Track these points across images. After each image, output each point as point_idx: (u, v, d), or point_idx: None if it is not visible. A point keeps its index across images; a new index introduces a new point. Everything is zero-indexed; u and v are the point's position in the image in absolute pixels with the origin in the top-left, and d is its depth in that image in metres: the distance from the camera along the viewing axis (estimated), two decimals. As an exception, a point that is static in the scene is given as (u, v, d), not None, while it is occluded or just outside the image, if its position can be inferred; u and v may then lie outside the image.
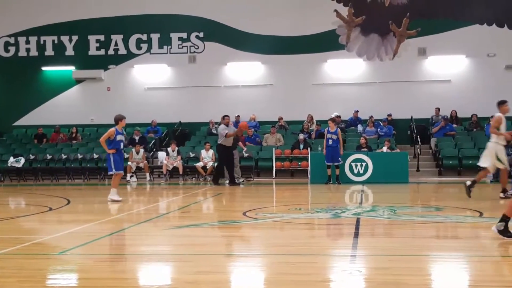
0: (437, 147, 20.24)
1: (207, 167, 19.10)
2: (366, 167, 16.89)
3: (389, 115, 21.90)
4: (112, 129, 11.93)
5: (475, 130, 20.92)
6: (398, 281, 4.73)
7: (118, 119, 12.08)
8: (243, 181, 17.50)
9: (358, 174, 16.89)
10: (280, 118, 22.45)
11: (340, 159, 16.44)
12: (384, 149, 18.32)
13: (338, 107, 22.37)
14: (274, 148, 19.87)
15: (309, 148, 19.19)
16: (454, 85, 22.50)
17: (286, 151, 19.77)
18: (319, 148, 18.14)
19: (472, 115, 21.28)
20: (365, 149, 18.01)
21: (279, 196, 14.51)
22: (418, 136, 20.51)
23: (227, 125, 16.77)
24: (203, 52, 23.90)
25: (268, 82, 23.57)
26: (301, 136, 20.10)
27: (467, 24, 21.94)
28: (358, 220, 8.30)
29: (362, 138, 18.73)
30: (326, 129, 16.86)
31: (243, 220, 8.59)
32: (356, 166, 16.95)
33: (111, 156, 11.77)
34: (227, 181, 16.84)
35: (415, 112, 21.97)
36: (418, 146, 20.09)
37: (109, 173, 12.07)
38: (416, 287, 4.50)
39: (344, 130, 21.27)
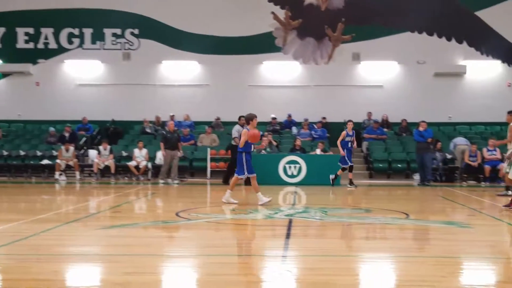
0: (368, 151, 20.73)
1: (140, 166, 18.82)
2: (300, 169, 17.08)
3: (324, 118, 22.26)
4: (245, 130, 10.79)
5: (404, 134, 21.56)
6: (328, 281, 4.79)
7: (250, 118, 10.83)
8: (178, 181, 17.37)
9: (292, 176, 17.07)
10: (217, 119, 22.44)
11: None
12: (318, 151, 18.59)
13: (274, 108, 22.54)
14: (209, 149, 19.79)
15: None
16: (385, 90, 23.12)
17: (221, 152, 19.73)
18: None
19: (402, 120, 21.92)
20: (299, 151, 18.21)
21: (213, 196, 14.44)
22: (350, 139, 20.90)
23: (242, 126, 16.42)
24: (138, 49, 23.57)
25: (204, 82, 23.49)
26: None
27: (399, 31, 22.63)
28: (290, 221, 8.37)
29: (296, 140, 18.92)
30: (344, 132, 16.05)
31: (175, 221, 8.49)
32: (290, 167, 17.11)
33: (244, 158, 10.72)
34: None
35: (348, 115, 22.33)
36: (350, 149, 20.46)
37: (240, 176, 10.95)
38: (345, 287, 4.56)
39: (278, 132, 21.47)
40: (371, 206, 11.24)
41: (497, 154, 18.34)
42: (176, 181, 17.26)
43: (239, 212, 9.97)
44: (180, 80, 23.54)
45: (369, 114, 22.44)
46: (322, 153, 18.53)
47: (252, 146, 10.92)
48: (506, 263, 5.66)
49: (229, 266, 5.38)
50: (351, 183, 16.01)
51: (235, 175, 11.01)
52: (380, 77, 23.22)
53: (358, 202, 12.76)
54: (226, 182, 16.13)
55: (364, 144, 21.30)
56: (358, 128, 22.39)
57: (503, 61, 22.77)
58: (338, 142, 15.93)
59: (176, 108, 22.64)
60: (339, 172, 16.22)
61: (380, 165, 19.88)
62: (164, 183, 17.02)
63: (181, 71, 23.56)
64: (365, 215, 9.54)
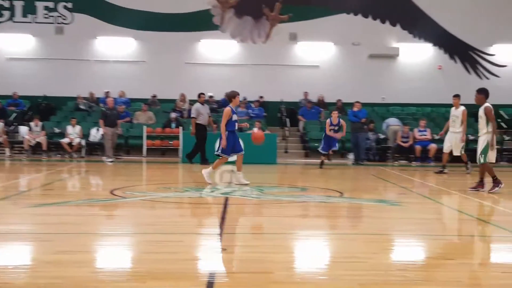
0: (304, 130, 21.00)
1: (73, 144, 18.38)
2: (237, 147, 17.07)
3: (261, 97, 22.33)
4: (228, 108, 10.23)
5: (339, 114, 21.89)
6: (263, 258, 4.84)
7: (232, 95, 10.31)
8: (113, 159, 17.06)
9: (228, 154, 17.03)
10: (153, 96, 22.15)
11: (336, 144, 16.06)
12: (255, 130, 18.63)
13: (211, 87, 22.41)
14: (145, 126, 19.52)
15: (181, 127, 19.07)
16: (322, 70, 23.41)
17: (158, 130, 19.51)
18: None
19: (337, 100, 22.27)
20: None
21: (149, 174, 14.32)
22: (288, 119, 21.14)
23: (202, 103, 15.97)
24: (71, 24, 22.87)
25: (140, 59, 23.08)
26: (173, 115, 19.93)
27: (336, 13, 22.89)
28: (227, 199, 8.40)
29: (233, 118, 18.91)
30: (328, 120, 15.99)
31: (110, 199, 8.36)
32: (226, 146, 17.04)
33: (224, 137, 10.20)
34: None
35: (285, 95, 22.60)
36: (287, 128, 20.70)
37: (215, 153, 10.54)
38: (281, 264, 4.63)
39: (216, 110, 21.40)
40: (306, 184, 11.41)
41: (428, 135, 18.96)
42: (111, 159, 16.95)
43: (175, 190, 9.91)
44: (115, 56, 23.03)
45: (306, 94, 22.68)
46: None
47: (236, 124, 10.46)
48: (434, 240, 5.88)
49: (165, 244, 5.35)
50: (322, 163, 15.86)
51: (215, 152, 10.64)
52: (316, 57, 23.47)
53: (294, 181, 12.92)
54: (204, 161, 15.71)
55: (301, 124, 21.56)
56: (295, 107, 22.63)
57: (435, 45, 23.45)
58: (327, 131, 15.82)
59: (111, 85, 22.16)
60: (321, 158, 16.00)
61: (316, 144, 20.11)
62: (112, 161, 16.64)
63: (116, 47, 23.04)
64: (301, 193, 9.69)
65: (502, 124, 21.08)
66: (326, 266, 4.71)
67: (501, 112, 21.87)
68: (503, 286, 4.22)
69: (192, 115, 15.98)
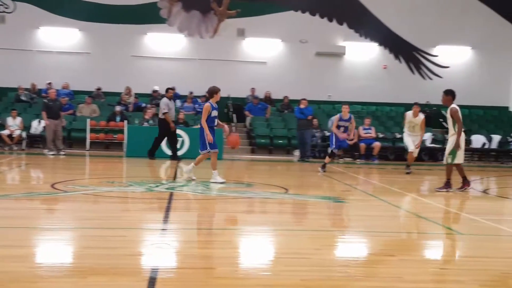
0: (251, 126, 21.04)
1: (14, 136, 17.83)
2: (183, 142, 16.97)
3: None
4: (207, 104, 10.04)
5: (286, 111, 22.06)
6: (206, 254, 4.82)
7: (214, 91, 10.13)
8: (55, 152, 16.63)
9: (174, 149, 16.90)
10: (98, 89, 21.71)
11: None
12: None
13: (157, 80, 22.11)
14: (88, 119, 19.11)
15: (126, 121, 18.76)
16: (269, 67, 23.48)
17: (102, 123, 19.13)
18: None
19: (284, 97, 22.40)
20: (182, 125, 18.08)
21: (92, 168, 14.03)
22: (235, 115, 21.12)
23: (170, 98, 15.57)
24: (13, 13, 22.12)
25: (85, 50, 22.57)
26: (118, 108, 19.60)
27: (284, 10, 22.99)
28: (171, 194, 8.32)
29: (179, 113, 18.76)
30: (337, 115, 13.70)
31: (51, 192, 8.15)
32: (172, 141, 16.91)
33: (205, 134, 10.01)
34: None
35: (232, 91, 22.52)
36: (233, 124, 20.68)
37: (202, 152, 10.21)
38: (224, 259, 4.62)
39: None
40: (252, 180, 11.43)
41: (372, 133, 19.32)
42: (54, 152, 16.49)
43: (118, 184, 9.75)
44: (59, 47, 22.43)
45: (253, 90, 22.70)
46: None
47: (216, 121, 10.31)
48: (376, 237, 5.99)
49: (107, 239, 5.25)
50: (323, 166, 13.63)
51: (200, 151, 10.44)
52: (264, 54, 23.52)
53: (240, 177, 12.93)
54: (151, 155, 15.74)
55: (248, 120, 21.59)
56: (242, 103, 22.63)
57: (380, 44, 23.89)
58: (333, 128, 13.70)
59: (54, 76, 21.59)
60: (327, 159, 13.89)
61: (262, 140, 20.25)
62: (54, 154, 16.21)
63: (60, 38, 22.44)
64: (246, 189, 9.70)
65: (444, 123, 21.67)
66: (269, 262, 4.73)
67: (443, 112, 22.48)
68: (443, 282, 4.33)
69: (164, 111, 15.66)
